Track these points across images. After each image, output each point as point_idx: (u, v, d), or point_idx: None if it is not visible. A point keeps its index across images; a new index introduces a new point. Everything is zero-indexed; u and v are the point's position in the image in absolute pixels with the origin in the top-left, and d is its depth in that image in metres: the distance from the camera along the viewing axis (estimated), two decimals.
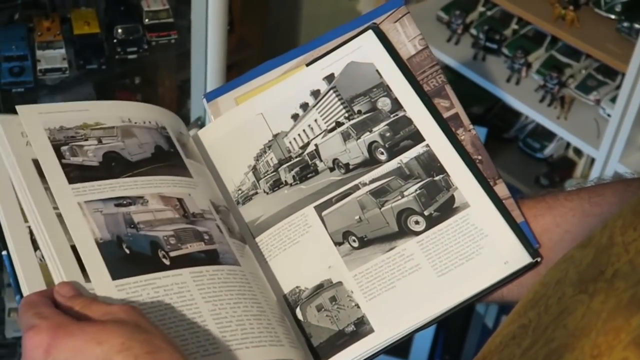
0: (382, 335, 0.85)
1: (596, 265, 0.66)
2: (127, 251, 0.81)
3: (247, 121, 0.98)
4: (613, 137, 2.00)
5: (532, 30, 2.27)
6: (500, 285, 0.87)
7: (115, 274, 0.78)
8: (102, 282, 0.77)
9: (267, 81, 1.00)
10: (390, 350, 0.86)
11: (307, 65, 0.99)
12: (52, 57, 1.87)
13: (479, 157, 0.93)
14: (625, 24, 1.99)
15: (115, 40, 1.94)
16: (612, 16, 2.04)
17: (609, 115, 2.05)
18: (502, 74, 2.22)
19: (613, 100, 2.04)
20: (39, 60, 1.86)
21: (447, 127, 0.93)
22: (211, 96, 1.01)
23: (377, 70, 0.96)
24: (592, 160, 2.13)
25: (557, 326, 0.64)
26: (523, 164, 2.37)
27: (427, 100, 0.94)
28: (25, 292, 0.77)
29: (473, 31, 2.28)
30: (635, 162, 2.01)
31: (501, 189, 0.91)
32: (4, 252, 0.80)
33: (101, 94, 2.07)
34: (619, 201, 0.86)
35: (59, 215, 0.81)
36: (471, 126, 0.94)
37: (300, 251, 0.90)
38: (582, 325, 0.61)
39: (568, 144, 2.33)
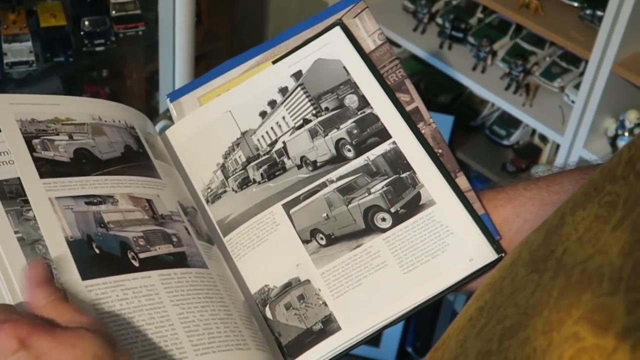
0: (349, 333, 0.86)
1: (547, 245, 0.67)
2: (97, 251, 0.80)
3: (215, 119, 0.98)
4: (577, 123, 2.03)
5: (497, 19, 2.29)
6: (466, 282, 0.88)
7: (85, 274, 0.77)
8: (71, 282, 0.76)
9: (230, 79, 1.00)
10: None
11: (274, 62, 0.99)
12: (19, 50, 1.87)
13: (440, 151, 0.94)
14: (588, 12, 2.02)
15: (82, 33, 1.94)
16: (575, 4, 2.07)
17: (573, 102, 2.08)
18: (468, 63, 2.24)
19: (577, 87, 2.07)
20: (6, 53, 1.86)
21: (412, 123, 0.94)
22: (174, 96, 1.01)
23: (344, 67, 0.97)
24: (557, 147, 2.16)
25: (509, 304, 0.66)
26: (490, 152, 2.39)
27: (392, 96, 0.95)
28: None
29: (439, 20, 2.30)
30: (600, 147, 2.05)
31: (462, 182, 0.92)
32: None
33: (69, 88, 2.07)
34: (576, 189, 0.88)
35: (20, 239, 0.79)
36: (431, 120, 0.95)
37: (269, 250, 0.90)
38: (533, 303, 0.62)
39: (534, 131, 2.36)
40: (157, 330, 0.77)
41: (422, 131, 0.95)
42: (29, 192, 0.81)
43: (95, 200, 0.84)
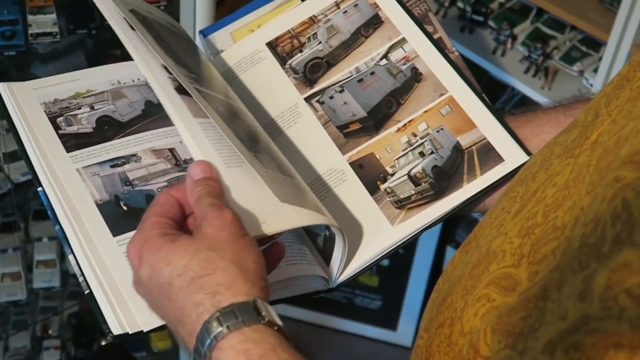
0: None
1: (582, 136, 0.70)
2: (125, 208, 0.87)
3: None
4: None
5: (518, 4, 2.30)
6: (499, 184, 0.94)
7: (115, 231, 0.85)
8: (104, 239, 0.84)
9: (260, 16, 1.06)
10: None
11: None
12: (43, 22, 1.89)
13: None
14: None
15: None
16: None
17: (591, 85, 2.08)
18: (488, 46, 2.25)
19: (596, 71, 2.07)
20: (31, 24, 1.88)
21: (440, 48, 1.01)
22: (207, 32, 1.06)
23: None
24: None
25: (547, 187, 0.69)
26: None
27: (421, 27, 1.02)
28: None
29: (460, 4, 2.31)
30: None
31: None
32: (40, 189, 0.87)
33: (92, 59, 2.09)
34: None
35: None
36: (454, 48, 1.02)
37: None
38: (573, 179, 0.65)
39: None
40: None
41: None
42: (58, 167, 0.89)
43: (119, 162, 0.91)
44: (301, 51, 1.02)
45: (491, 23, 2.26)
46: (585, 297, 0.51)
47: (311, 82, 1.00)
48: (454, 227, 2.39)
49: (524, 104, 2.35)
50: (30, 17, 1.89)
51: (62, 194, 0.86)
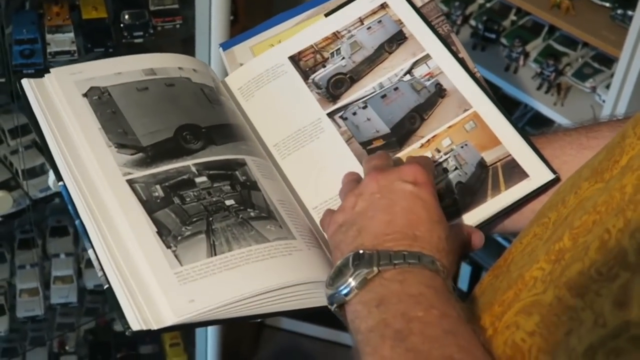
0: None
1: (609, 158, 0.69)
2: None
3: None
4: None
5: (530, 21, 2.32)
6: (523, 203, 0.93)
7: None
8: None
9: (281, 31, 1.06)
10: None
11: (326, 15, 1.04)
12: (62, 41, 1.92)
13: None
14: (619, 12, 2.04)
15: (122, 25, 1.98)
16: (607, 4, 2.09)
17: (604, 101, 2.09)
18: (500, 63, 2.26)
19: (608, 87, 2.08)
20: (49, 43, 1.91)
21: (466, 66, 1.02)
22: (227, 45, 1.07)
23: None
24: None
25: (577, 212, 0.68)
26: None
27: (446, 44, 1.02)
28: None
29: (472, 22, 2.33)
30: None
31: None
32: (60, 183, 0.85)
33: None
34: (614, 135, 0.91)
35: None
36: (476, 69, 1.01)
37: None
38: (603, 202, 0.64)
39: None
40: None
41: None
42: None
43: None
44: (324, 66, 1.02)
45: (503, 40, 2.28)
46: (623, 305, 0.52)
47: (334, 98, 1.00)
48: None
49: (537, 120, 2.37)
50: (48, 36, 1.92)
51: (86, 182, 0.85)
